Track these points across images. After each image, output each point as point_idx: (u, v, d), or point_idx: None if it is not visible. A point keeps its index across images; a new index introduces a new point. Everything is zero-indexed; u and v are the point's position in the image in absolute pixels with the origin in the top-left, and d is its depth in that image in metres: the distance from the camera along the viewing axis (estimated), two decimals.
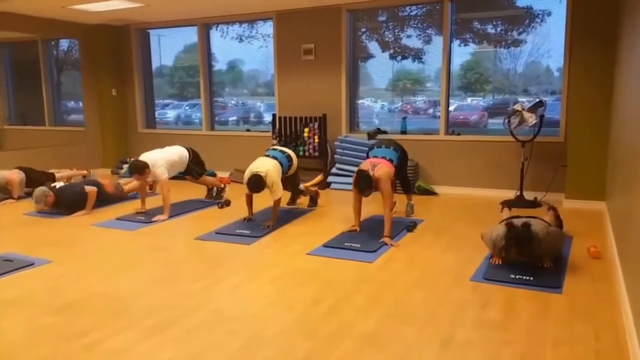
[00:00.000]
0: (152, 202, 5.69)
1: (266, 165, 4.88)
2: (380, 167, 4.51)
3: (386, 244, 4.21)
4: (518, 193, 5.84)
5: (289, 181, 5.28)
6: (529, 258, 3.56)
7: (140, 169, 5.24)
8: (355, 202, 4.61)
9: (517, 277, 3.43)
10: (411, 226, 4.70)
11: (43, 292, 3.32)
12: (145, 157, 5.38)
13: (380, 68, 7.13)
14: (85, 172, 7.28)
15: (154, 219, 5.17)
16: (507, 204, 5.12)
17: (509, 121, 5.78)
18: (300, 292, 3.27)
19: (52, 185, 5.68)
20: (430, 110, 7.03)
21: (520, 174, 5.83)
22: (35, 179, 6.30)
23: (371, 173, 4.43)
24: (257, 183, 4.73)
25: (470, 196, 6.27)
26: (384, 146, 4.95)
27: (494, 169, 6.27)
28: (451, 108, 6.76)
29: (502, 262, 3.69)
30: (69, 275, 3.62)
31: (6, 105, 8.60)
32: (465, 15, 6.43)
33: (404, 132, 6.88)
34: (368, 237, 4.38)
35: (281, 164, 5.08)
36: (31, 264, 3.77)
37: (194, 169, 5.87)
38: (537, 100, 5.63)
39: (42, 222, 5.20)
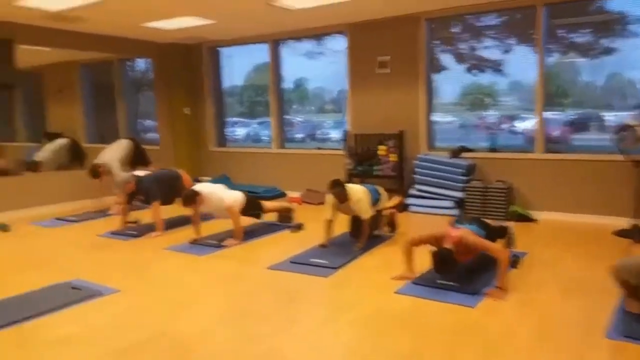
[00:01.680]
0: (222, 226, 5.36)
1: (354, 186, 4.72)
2: (464, 229, 3.63)
3: (492, 296, 3.37)
4: (633, 222, 5.02)
5: (372, 219, 4.76)
6: None
7: (191, 200, 4.85)
8: (408, 247, 3.84)
9: None
10: (514, 261, 4.04)
11: (106, 328, 3.02)
12: (199, 188, 5.03)
13: (450, 81, 6.59)
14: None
15: (225, 242, 4.85)
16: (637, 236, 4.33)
17: (619, 137, 5.01)
18: (391, 343, 2.75)
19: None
20: (505, 126, 6.40)
21: (636, 199, 5.01)
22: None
23: (451, 232, 3.53)
24: (338, 182, 4.56)
25: (574, 223, 5.50)
26: (466, 223, 3.86)
27: (601, 193, 5.48)
28: (528, 123, 6.09)
29: None
30: (134, 309, 3.31)
31: (85, 124, 8.76)
32: (551, 23, 5.74)
33: (493, 150, 6.22)
34: (464, 274, 3.70)
35: (370, 192, 4.72)
36: (99, 294, 3.52)
37: (251, 212, 5.35)
38: None
39: (115, 245, 5.02)
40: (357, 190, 4.63)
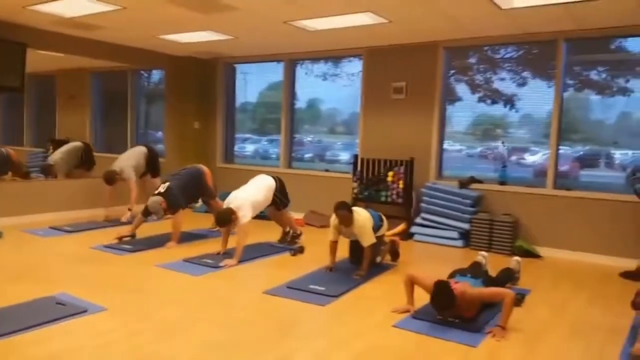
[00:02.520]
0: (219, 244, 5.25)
1: (359, 209, 4.61)
2: (464, 284, 3.47)
3: (494, 335, 3.22)
4: None
5: (373, 246, 4.63)
6: None
7: (227, 221, 4.87)
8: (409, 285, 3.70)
9: None
10: (518, 299, 3.89)
11: (90, 349, 2.89)
12: (232, 200, 5.01)
13: (462, 110, 6.53)
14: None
15: (222, 264, 4.72)
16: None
17: (634, 178, 4.88)
18: None
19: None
20: (514, 158, 6.30)
21: None
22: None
23: (453, 285, 3.36)
24: (345, 205, 4.48)
25: (580, 262, 5.34)
26: (469, 275, 3.76)
27: (611, 233, 5.33)
28: (536, 157, 6.03)
29: None
30: (121, 330, 3.17)
31: (92, 132, 8.75)
32: (570, 59, 5.68)
33: (503, 183, 6.09)
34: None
35: (373, 218, 4.61)
36: (84, 311, 3.38)
37: (279, 198, 5.47)
38: None
39: (107, 258, 4.88)
40: (361, 215, 4.52)
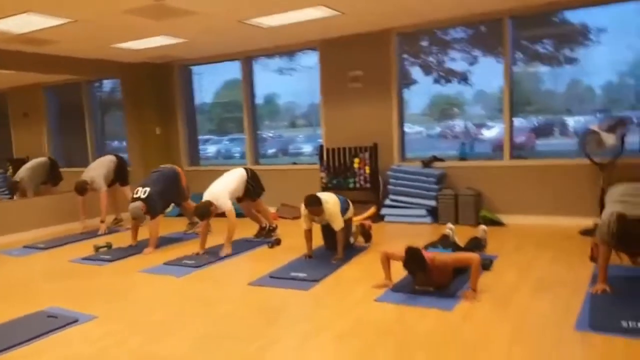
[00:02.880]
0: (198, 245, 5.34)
1: (325, 195, 4.79)
2: (438, 253, 3.77)
3: (467, 298, 3.48)
4: (598, 221, 5.22)
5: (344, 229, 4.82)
6: None
7: (207, 213, 5.04)
8: (384, 257, 3.95)
9: (631, 324, 2.88)
10: (487, 264, 4.17)
11: (87, 356, 2.97)
12: (207, 196, 5.18)
13: (418, 92, 6.80)
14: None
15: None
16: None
17: (584, 143, 5.24)
18: (377, 354, 2.80)
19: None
20: (472, 134, 6.65)
21: (600, 200, 5.21)
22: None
23: (427, 254, 3.59)
24: (314, 200, 4.61)
25: (542, 225, 5.69)
26: (440, 246, 4.14)
27: (568, 195, 5.68)
28: (493, 131, 6.34)
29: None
30: (113, 336, 3.26)
31: (51, 147, 8.60)
32: (517, 34, 6.00)
33: (463, 159, 6.39)
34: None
35: (340, 202, 4.80)
36: (75, 321, 3.45)
37: (253, 186, 5.63)
38: (618, 118, 5.07)
39: (88, 271, 4.91)
40: (329, 203, 4.68)
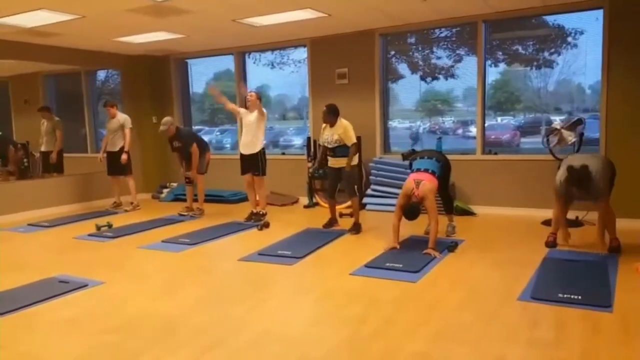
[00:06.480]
0: (195, 226, 5.79)
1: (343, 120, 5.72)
2: (424, 185, 4.62)
3: (429, 254, 4.36)
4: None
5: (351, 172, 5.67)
6: (587, 197, 4.34)
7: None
8: (396, 220, 4.70)
9: (566, 296, 3.40)
10: (452, 246, 4.68)
11: (99, 312, 3.45)
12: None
13: (408, 89, 7.22)
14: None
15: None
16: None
17: (547, 140, 5.74)
18: (345, 313, 3.30)
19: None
20: (460, 131, 7.04)
21: None
22: None
23: (415, 192, 4.59)
24: (333, 109, 5.68)
25: (509, 216, 6.21)
26: (426, 157, 5.12)
27: (533, 188, 6.20)
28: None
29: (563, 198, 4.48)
30: (121, 296, 3.74)
31: None
32: (498, 36, 6.47)
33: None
34: (409, 257, 4.39)
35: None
36: (85, 285, 3.92)
37: (262, 162, 6.34)
38: (576, 118, 5.58)
39: (92, 246, 5.37)
40: (344, 121, 5.59)
